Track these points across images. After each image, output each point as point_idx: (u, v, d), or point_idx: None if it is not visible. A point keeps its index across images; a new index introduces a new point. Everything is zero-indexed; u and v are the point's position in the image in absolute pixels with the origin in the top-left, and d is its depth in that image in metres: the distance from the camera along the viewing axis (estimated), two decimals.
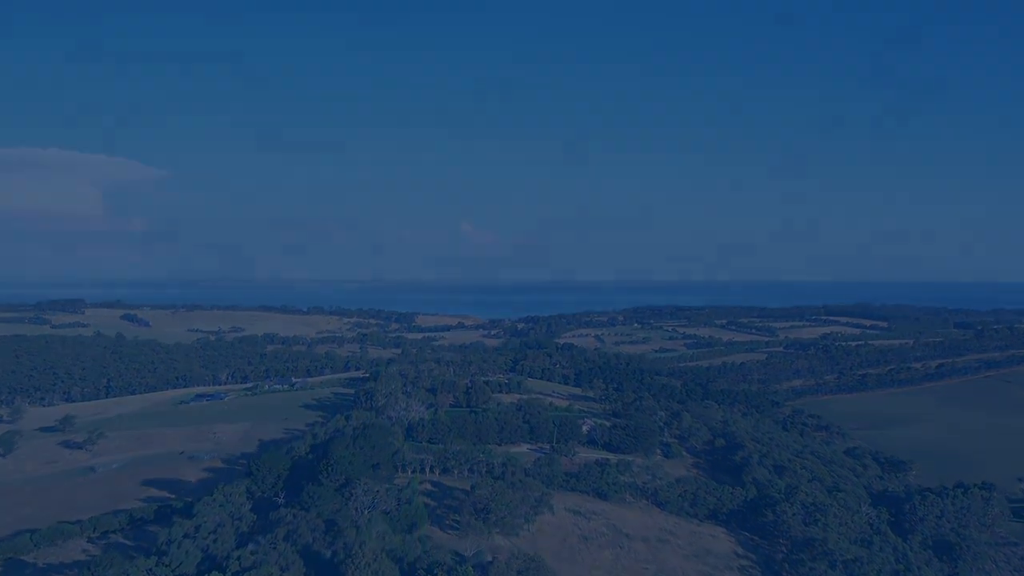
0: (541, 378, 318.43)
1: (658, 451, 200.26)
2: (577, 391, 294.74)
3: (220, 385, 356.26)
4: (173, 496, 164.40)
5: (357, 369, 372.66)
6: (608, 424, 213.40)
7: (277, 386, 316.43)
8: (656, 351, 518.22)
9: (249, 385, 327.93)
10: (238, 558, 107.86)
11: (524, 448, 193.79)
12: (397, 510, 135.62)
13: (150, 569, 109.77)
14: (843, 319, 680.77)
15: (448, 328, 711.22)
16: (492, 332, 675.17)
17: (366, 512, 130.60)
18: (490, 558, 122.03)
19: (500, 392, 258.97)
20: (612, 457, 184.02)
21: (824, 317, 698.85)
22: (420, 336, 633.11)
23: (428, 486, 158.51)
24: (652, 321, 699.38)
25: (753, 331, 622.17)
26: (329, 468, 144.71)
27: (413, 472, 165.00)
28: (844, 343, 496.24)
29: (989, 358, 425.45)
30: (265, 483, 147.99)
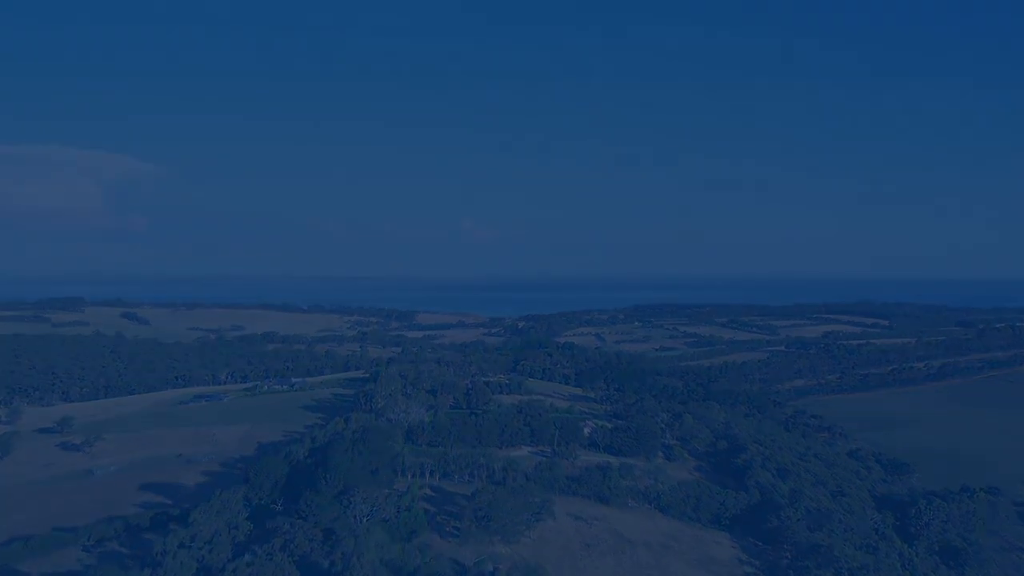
0: (542, 378, 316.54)
1: (660, 454, 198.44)
2: (578, 391, 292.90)
3: (220, 385, 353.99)
4: (170, 502, 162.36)
5: (357, 369, 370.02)
6: (609, 426, 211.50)
7: (277, 386, 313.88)
8: (657, 350, 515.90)
9: (248, 385, 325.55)
10: (234, 570, 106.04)
11: (525, 451, 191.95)
12: (396, 517, 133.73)
13: None
14: (844, 317, 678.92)
15: (448, 326, 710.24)
16: (493, 330, 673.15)
17: (365, 520, 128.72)
18: (491, 568, 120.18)
19: (501, 393, 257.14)
20: (614, 460, 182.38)
21: (825, 315, 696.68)
22: (420, 334, 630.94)
23: (428, 491, 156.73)
24: (653, 319, 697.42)
25: (754, 329, 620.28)
26: (328, 474, 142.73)
27: (413, 476, 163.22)
28: (846, 342, 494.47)
29: (992, 358, 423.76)
30: (263, 489, 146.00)
